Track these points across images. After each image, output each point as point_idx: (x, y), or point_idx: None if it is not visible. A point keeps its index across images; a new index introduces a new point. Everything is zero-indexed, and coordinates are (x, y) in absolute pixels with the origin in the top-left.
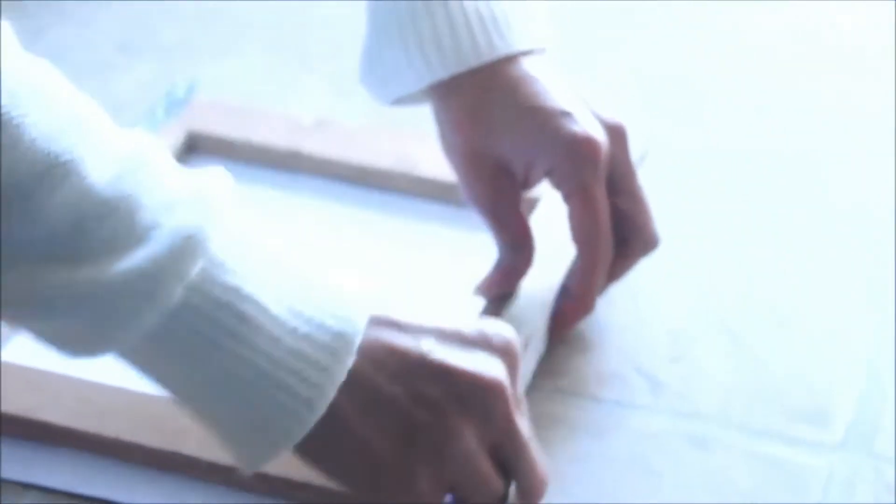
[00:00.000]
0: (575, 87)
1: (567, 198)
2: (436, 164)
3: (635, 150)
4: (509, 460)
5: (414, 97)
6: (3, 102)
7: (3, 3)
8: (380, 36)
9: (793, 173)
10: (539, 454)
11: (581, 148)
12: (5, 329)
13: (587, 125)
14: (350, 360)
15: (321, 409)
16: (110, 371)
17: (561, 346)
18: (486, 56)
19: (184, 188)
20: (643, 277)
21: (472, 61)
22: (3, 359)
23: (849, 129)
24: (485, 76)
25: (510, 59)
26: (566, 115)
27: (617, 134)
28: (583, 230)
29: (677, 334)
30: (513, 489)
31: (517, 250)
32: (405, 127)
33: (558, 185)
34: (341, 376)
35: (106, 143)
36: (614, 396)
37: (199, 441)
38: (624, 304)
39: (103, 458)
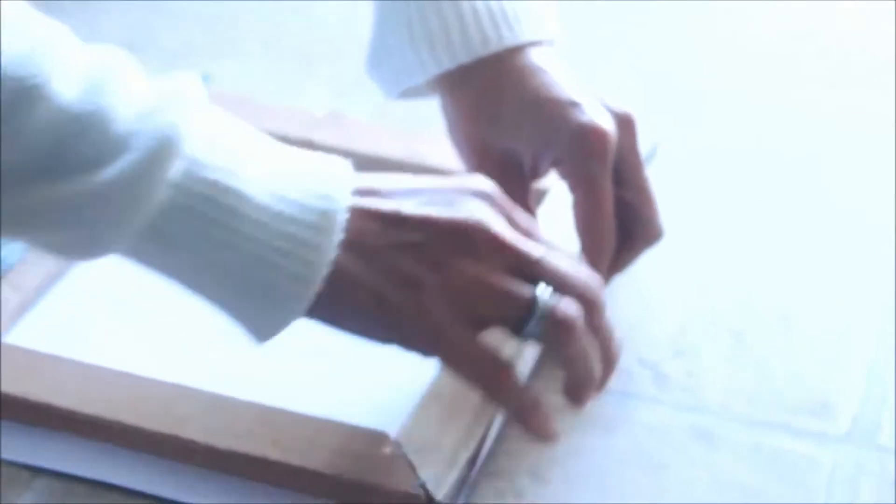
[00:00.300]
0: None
1: (573, 188)
2: (445, 156)
3: (644, 145)
4: (528, 273)
5: (421, 90)
6: None
7: None
8: (387, 27)
9: (795, 172)
10: (561, 259)
11: (588, 138)
12: (7, 314)
13: (595, 115)
14: (337, 235)
15: (315, 283)
16: (112, 355)
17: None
18: (494, 46)
19: (155, 94)
20: (647, 273)
21: (480, 51)
22: (5, 342)
23: (851, 129)
24: (492, 67)
25: (518, 50)
26: (574, 105)
27: (625, 124)
28: (587, 220)
29: (681, 329)
30: (541, 289)
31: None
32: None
33: (565, 175)
34: (331, 250)
35: (73, 61)
36: (618, 388)
37: (198, 426)
38: (628, 298)
39: (104, 442)
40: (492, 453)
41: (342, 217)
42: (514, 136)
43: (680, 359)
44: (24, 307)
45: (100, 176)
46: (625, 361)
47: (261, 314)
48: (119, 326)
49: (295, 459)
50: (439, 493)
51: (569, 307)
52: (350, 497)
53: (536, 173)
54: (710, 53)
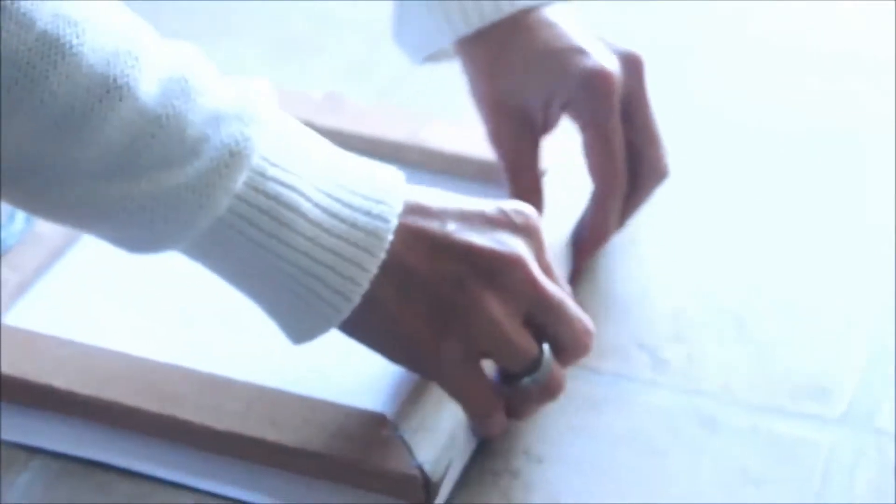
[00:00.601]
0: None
1: (582, 129)
2: (446, 139)
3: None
4: (543, 323)
5: (443, 53)
6: (62, 31)
7: None
8: (409, 5)
9: (797, 156)
10: (576, 310)
11: (594, 80)
12: (6, 294)
13: (601, 58)
14: (382, 255)
15: (356, 299)
16: (110, 336)
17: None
18: (507, 9)
19: (227, 99)
20: (647, 256)
21: (494, 16)
22: (4, 323)
23: (853, 116)
24: (506, 27)
25: (531, 10)
26: (580, 51)
27: (632, 65)
28: (597, 160)
29: (679, 312)
30: (548, 350)
31: (527, 199)
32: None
33: (575, 118)
34: (373, 269)
35: (155, 60)
36: (616, 371)
37: (195, 407)
38: (627, 281)
39: (102, 423)
40: None
41: (389, 237)
42: (526, 88)
43: (677, 342)
44: (22, 288)
45: (169, 179)
46: (623, 344)
47: (299, 320)
48: (117, 307)
49: (292, 440)
50: (436, 475)
51: (561, 377)
52: (347, 478)
53: (548, 122)
54: (713, 44)
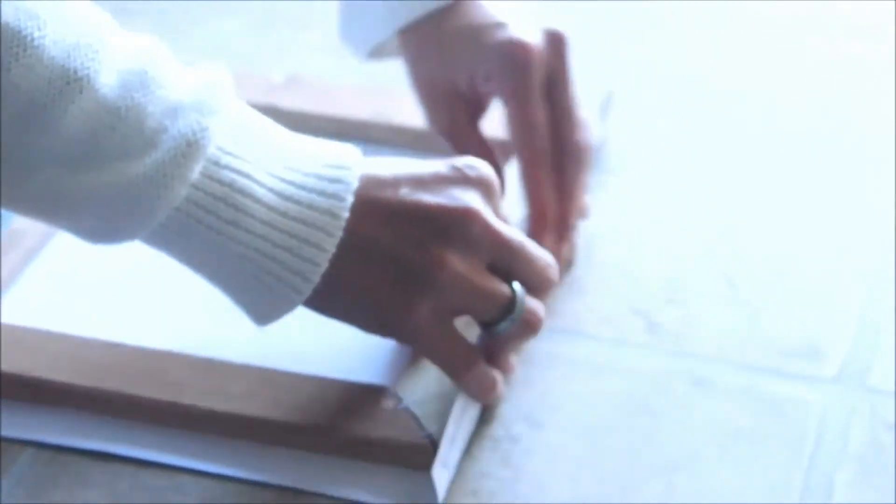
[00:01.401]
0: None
1: (504, 102)
2: (410, 114)
3: (599, 94)
4: (507, 267)
5: (387, 48)
6: (24, 23)
7: None
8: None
9: (790, 119)
10: (536, 249)
11: (512, 51)
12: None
13: (520, 32)
14: (339, 234)
15: (315, 279)
16: (99, 325)
17: (557, 287)
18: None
19: (186, 90)
20: (639, 221)
21: (430, 5)
22: None
23: (851, 78)
24: (442, 15)
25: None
26: (500, 24)
27: (554, 41)
28: (518, 132)
29: (672, 277)
30: (519, 287)
31: None
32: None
33: (496, 90)
34: (331, 248)
35: (115, 53)
36: (611, 336)
37: (196, 391)
38: (620, 246)
39: (101, 414)
40: None
41: (344, 215)
42: (451, 66)
43: (671, 306)
44: (6, 284)
45: (128, 170)
46: (617, 309)
47: (261, 302)
48: (102, 298)
49: (299, 418)
50: (444, 443)
51: (539, 309)
52: (357, 453)
53: (480, 101)
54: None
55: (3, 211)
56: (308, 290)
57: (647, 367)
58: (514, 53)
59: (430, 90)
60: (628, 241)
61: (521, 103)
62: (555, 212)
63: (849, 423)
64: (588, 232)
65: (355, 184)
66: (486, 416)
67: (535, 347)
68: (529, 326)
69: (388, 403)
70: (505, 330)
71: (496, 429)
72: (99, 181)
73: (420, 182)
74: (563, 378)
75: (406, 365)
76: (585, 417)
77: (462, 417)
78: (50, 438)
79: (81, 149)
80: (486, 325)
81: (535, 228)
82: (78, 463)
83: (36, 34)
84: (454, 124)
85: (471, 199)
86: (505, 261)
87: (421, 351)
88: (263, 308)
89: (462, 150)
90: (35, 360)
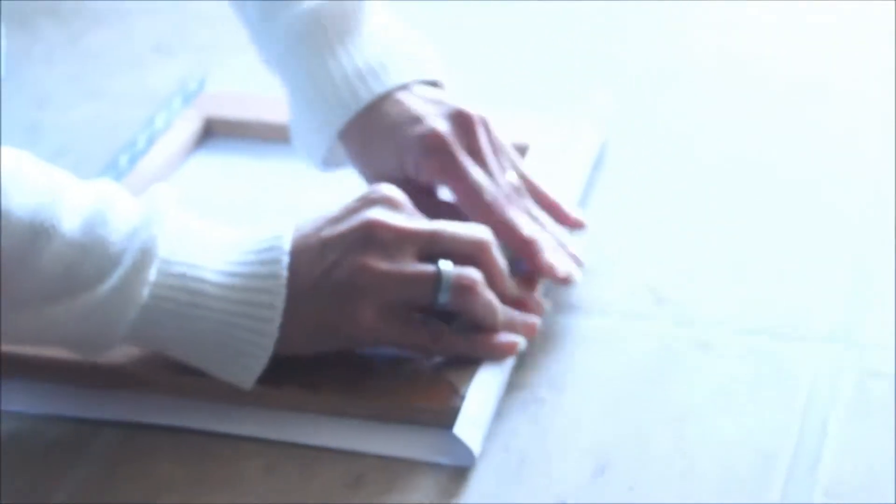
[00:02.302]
0: (440, 93)
1: (441, 182)
2: None
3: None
4: (430, 250)
5: (338, 156)
6: None
7: (38, 10)
8: (294, 113)
9: (784, 98)
10: (456, 227)
11: (428, 141)
12: None
13: (432, 123)
14: (283, 292)
15: (273, 332)
16: None
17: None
18: (366, 99)
19: (138, 215)
20: (646, 213)
21: (354, 107)
22: None
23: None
24: (369, 114)
25: (387, 96)
26: (415, 120)
27: (463, 122)
28: (462, 197)
29: (678, 256)
30: (443, 263)
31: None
32: None
33: (427, 176)
34: (280, 305)
35: (75, 201)
36: (622, 309)
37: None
38: (632, 232)
39: (172, 395)
40: (515, 366)
41: (284, 274)
42: (387, 162)
43: (678, 281)
44: None
45: (100, 289)
46: (628, 285)
47: (236, 366)
48: None
49: (354, 390)
50: (472, 406)
51: (468, 272)
52: (397, 415)
53: (421, 183)
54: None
55: None
56: (270, 345)
57: (654, 335)
58: (430, 143)
59: (379, 179)
60: (638, 227)
61: (453, 176)
62: (531, 234)
63: (839, 374)
64: (603, 221)
65: (287, 247)
66: (514, 384)
67: (555, 322)
68: (465, 290)
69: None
70: (444, 301)
71: (524, 393)
72: (77, 304)
73: (334, 219)
74: (581, 348)
75: None
76: (602, 380)
77: (490, 382)
78: (124, 417)
79: (58, 284)
80: (432, 307)
81: (529, 256)
82: (149, 436)
83: (2, 203)
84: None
85: (372, 212)
86: (425, 247)
87: (386, 345)
88: (240, 371)
89: (430, 216)
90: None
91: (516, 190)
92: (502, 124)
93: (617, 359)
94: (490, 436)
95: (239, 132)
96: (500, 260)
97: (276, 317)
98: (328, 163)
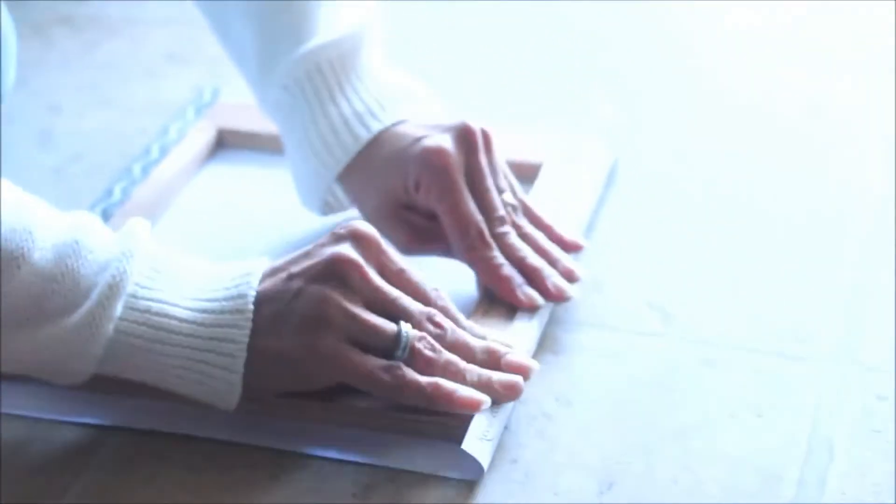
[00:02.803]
0: (438, 118)
1: (437, 206)
2: None
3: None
4: (387, 309)
5: (338, 200)
6: None
7: (53, 18)
8: (294, 159)
9: (783, 119)
10: (415, 290)
11: (431, 158)
12: None
13: (435, 141)
14: (248, 324)
15: (239, 366)
16: None
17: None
18: (365, 138)
19: (111, 249)
20: (652, 232)
21: (354, 148)
22: None
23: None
24: (368, 151)
25: (385, 132)
26: (417, 139)
27: (466, 138)
28: (451, 229)
29: (683, 275)
30: (405, 326)
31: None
32: None
33: (426, 195)
34: (245, 339)
35: (48, 231)
36: (628, 327)
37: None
38: (637, 251)
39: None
40: (524, 382)
41: (250, 308)
42: (388, 183)
43: (683, 300)
44: None
45: (68, 321)
46: (633, 304)
47: (212, 394)
48: None
49: (368, 404)
50: (481, 422)
51: (425, 347)
52: (411, 430)
53: (425, 209)
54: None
55: None
56: (238, 378)
57: (662, 351)
58: (433, 160)
59: (381, 215)
60: (643, 246)
61: (451, 206)
62: (509, 273)
63: (845, 394)
64: (608, 240)
65: (256, 283)
66: (521, 397)
67: (563, 338)
68: (422, 359)
69: None
70: (401, 358)
71: (531, 408)
72: (45, 334)
73: (305, 254)
74: (588, 363)
75: None
76: (609, 395)
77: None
78: (135, 424)
79: (26, 313)
80: (387, 356)
81: (506, 294)
82: (159, 442)
83: None
84: (411, 234)
85: (339, 248)
86: (380, 305)
87: (343, 379)
88: (217, 401)
89: (428, 251)
90: None
91: (513, 209)
92: (514, 143)
93: (624, 375)
94: (497, 449)
95: (251, 144)
96: (465, 324)
97: (241, 352)
98: (330, 207)
